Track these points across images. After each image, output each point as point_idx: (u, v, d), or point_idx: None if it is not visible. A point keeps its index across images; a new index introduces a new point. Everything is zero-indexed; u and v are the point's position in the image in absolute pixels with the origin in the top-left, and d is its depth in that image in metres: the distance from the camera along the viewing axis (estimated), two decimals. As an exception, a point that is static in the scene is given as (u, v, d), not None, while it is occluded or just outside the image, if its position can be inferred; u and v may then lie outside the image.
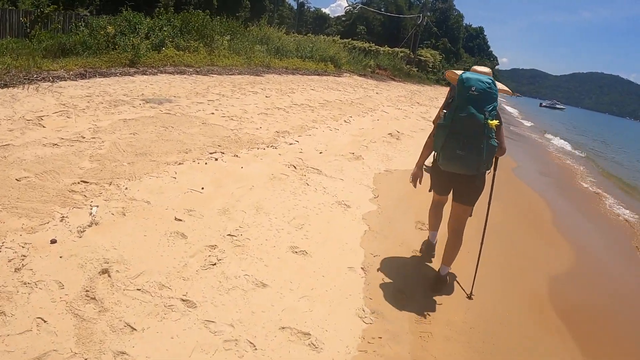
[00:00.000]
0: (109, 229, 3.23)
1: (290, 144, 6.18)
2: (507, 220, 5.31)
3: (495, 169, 3.16)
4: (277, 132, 6.69)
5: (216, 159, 4.85)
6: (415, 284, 3.19)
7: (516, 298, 3.42)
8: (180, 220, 3.40)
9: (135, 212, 3.47)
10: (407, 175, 5.94)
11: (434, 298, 3.07)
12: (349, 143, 7.05)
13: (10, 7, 12.67)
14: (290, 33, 28.99)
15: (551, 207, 6.48)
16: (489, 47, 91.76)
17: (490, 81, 2.73)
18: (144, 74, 9.77)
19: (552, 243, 4.89)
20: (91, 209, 3.46)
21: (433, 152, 3.14)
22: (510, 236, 4.80)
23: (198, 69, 11.74)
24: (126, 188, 3.84)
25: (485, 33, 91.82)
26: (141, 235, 3.17)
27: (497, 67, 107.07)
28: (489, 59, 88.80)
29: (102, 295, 2.58)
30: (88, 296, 2.58)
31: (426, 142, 3.27)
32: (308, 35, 45.72)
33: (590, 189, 8.88)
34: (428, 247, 3.65)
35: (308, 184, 4.67)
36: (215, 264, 2.92)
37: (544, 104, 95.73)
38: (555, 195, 7.71)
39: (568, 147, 16.33)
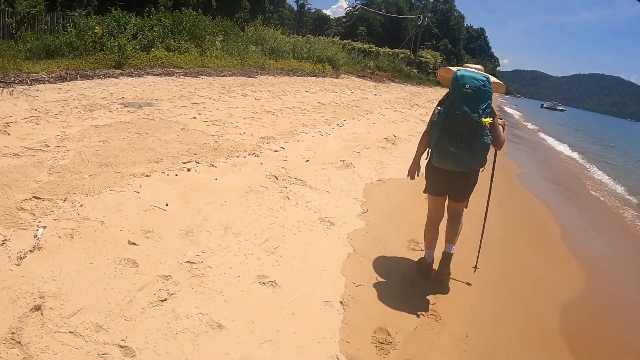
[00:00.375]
0: (52, 255, 2.80)
1: (275, 151, 5.74)
2: (510, 234, 4.88)
3: (494, 162, 3.21)
4: (262, 138, 6.26)
5: (189, 170, 4.41)
6: (404, 321, 2.74)
7: (518, 328, 2.99)
8: (135, 244, 2.96)
9: (85, 234, 3.03)
10: (401, 184, 5.56)
11: (425, 339, 2.63)
12: (340, 149, 6.61)
13: (7, 8, 12.23)
14: (289, 34, 28.72)
15: (559, 220, 6.02)
16: (490, 48, 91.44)
17: (484, 79, 2.72)
18: (129, 76, 9.35)
19: (560, 261, 4.44)
20: (37, 230, 3.04)
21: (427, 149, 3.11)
22: (512, 253, 4.37)
23: (187, 71, 11.32)
24: (81, 205, 3.40)
25: (486, 34, 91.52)
26: (86, 263, 2.74)
27: (498, 68, 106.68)
28: (490, 60, 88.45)
29: (29, 338, 2.16)
30: (14, 339, 2.17)
31: (421, 138, 3.21)
32: (307, 36, 45.43)
33: (602, 198, 8.44)
34: (423, 267, 3.32)
35: (289, 198, 4.23)
36: (165, 300, 2.48)
37: (545, 105, 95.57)
38: (563, 205, 7.27)
39: (575, 155, 15.70)
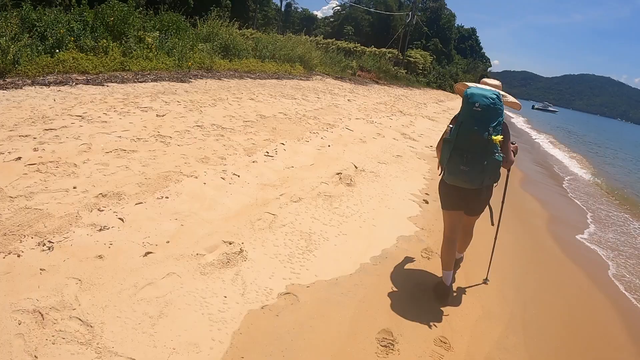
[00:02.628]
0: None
1: (90, 235, 2.88)
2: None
3: (506, 182, 3.31)
4: (97, 198, 3.40)
5: None
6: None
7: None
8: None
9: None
10: (323, 305, 2.66)
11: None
12: (230, 218, 3.74)
13: None
14: (270, 33, 25.93)
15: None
16: (481, 48, 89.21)
17: (494, 96, 2.73)
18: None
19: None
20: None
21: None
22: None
23: (94, 77, 8.41)
24: None
25: (477, 34, 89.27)
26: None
27: (489, 69, 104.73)
28: (482, 60, 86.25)
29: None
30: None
31: (437, 145, 3.12)
32: (289, 35, 42.59)
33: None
34: (441, 290, 3.10)
35: None
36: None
37: (536, 107, 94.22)
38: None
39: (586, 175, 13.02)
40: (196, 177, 4.34)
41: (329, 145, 6.71)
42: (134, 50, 10.62)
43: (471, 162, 2.74)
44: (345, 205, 4.42)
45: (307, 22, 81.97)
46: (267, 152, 5.55)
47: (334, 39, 40.87)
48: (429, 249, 3.91)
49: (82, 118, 5.59)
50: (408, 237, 4.05)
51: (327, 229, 3.78)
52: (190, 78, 10.64)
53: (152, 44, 11.43)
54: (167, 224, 3.43)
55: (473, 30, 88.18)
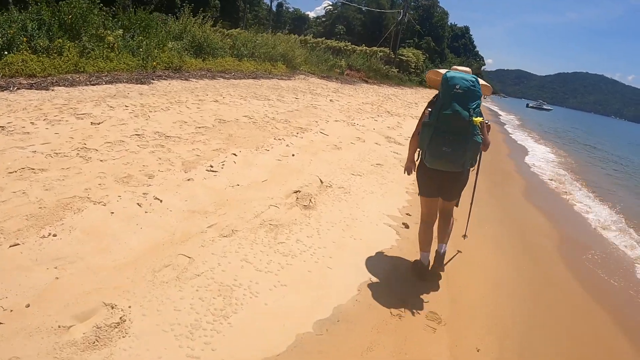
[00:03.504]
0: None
1: None
2: None
3: (478, 165, 3.22)
4: None
5: None
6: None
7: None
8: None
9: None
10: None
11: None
12: (114, 272, 2.80)
13: None
14: (259, 33, 24.92)
15: None
16: (475, 47, 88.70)
17: (473, 79, 2.77)
18: None
19: None
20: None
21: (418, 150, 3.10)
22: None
23: (42, 80, 7.43)
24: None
25: (470, 33, 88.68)
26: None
27: (483, 67, 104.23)
28: (475, 59, 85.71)
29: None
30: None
31: (411, 139, 3.17)
32: (278, 34, 41.60)
33: None
34: (419, 269, 3.22)
35: None
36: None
37: (531, 105, 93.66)
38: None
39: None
40: (104, 205, 3.36)
41: (293, 155, 5.72)
42: (92, 51, 9.62)
43: (453, 144, 2.75)
44: (296, 238, 3.43)
45: (298, 22, 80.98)
46: (211, 166, 4.56)
47: (323, 38, 39.92)
48: (406, 300, 2.93)
49: (3, 129, 4.62)
50: (376, 285, 3.06)
51: (260, 278, 2.79)
52: (153, 79, 9.64)
53: (114, 43, 10.42)
54: (39, 276, 2.51)
55: (466, 29, 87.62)
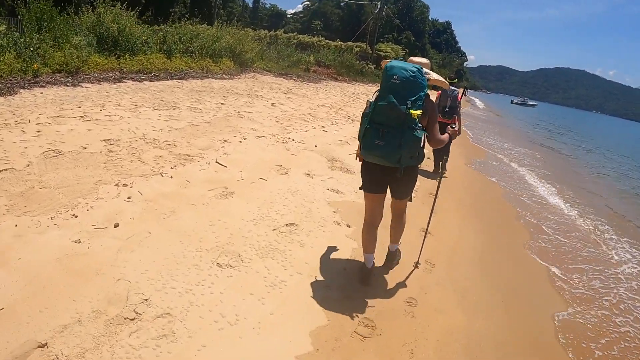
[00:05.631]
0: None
1: None
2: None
3: (444, 168, 3.33)
4: None
5: None
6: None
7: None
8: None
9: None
10: None
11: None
12: None
13: None
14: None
15: None
16: (457, 42, 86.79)
17: (415, 69, 2.56)
18: None
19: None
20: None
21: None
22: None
23: None
24: None
25: (452, 28, 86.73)
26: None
27: (465, 63, 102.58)
28: (458, 54, 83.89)
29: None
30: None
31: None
32: (245, 30, 38.69)
33: None
34: (362, 274, 2.97)
35: None
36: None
37: (515, 101, 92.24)
38: None
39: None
40: None
41: (117, 225, 2.96)
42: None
43: (387, 137, 2.57)
44: None
45: (276, 19, 78.09)
46: None
47: (295, 33, 37.22)
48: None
49: None
50: None
51: None
52: (26, 87, 6.92)
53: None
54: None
55: (448, 24, 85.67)
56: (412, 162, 2.66)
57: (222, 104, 8.39)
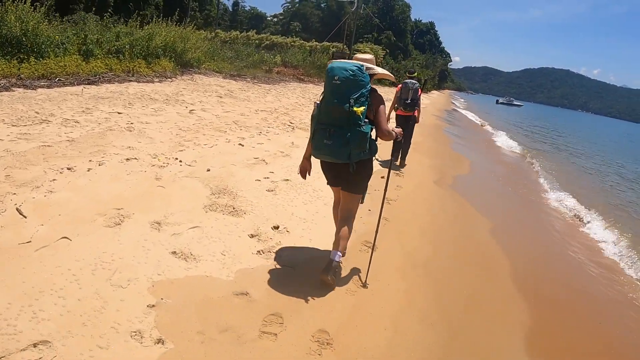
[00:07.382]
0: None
1: None
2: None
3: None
4: None
5: None
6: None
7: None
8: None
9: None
10: None
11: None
12: None
13: None
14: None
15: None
16: (440, 43, 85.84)
17: (355, 68, 2.60)
18: None
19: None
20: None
21: None
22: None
23: None
24: None
25: (436, 28, 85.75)
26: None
27: (450, 64, 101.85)
28: (442, 55, 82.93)
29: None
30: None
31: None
32: (217, 32, 36.98)
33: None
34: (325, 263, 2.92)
35: None
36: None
37: (500, 101, 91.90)
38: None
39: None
40: None
41: None
42: None
43: (334, 136, 2.65)
44: None
45: (256, 21, 76.24)
46: None
47: (268, 34, 35.64)
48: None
49: None
50: None
51: None
52: None
53: None
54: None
55: (432, 25, 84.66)
56: (363, 155, 2.73)
57: (118, 113, 6.69)
